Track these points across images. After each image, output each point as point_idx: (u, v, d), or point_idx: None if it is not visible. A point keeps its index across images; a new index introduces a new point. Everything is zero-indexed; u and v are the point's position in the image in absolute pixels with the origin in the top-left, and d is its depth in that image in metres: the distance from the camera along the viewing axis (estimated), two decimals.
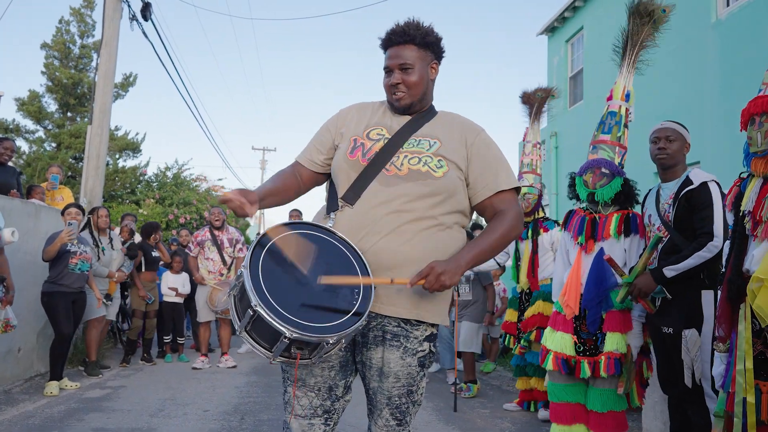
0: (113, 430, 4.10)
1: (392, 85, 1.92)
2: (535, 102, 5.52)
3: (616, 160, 3.64)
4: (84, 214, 6.05)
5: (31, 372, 5.76)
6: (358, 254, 1.77)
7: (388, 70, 1.93)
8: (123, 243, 6.90)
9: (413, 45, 1.90)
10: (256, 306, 1.59)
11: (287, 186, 2.01)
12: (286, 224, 1.79)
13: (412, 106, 1.94)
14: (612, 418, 3.39)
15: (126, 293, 7.45)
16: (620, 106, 3.81)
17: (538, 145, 5.44)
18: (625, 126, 3.81)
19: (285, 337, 1.58)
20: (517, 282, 5.21)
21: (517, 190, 1.96)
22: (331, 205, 1.93)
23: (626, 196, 3.56)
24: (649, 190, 3.41)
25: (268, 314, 1.58)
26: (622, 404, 3.42)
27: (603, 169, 3.56)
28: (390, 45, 1.93)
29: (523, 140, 5.67)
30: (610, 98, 3.87)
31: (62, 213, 5.79)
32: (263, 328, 1.64)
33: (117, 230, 7.28)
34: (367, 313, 1.70)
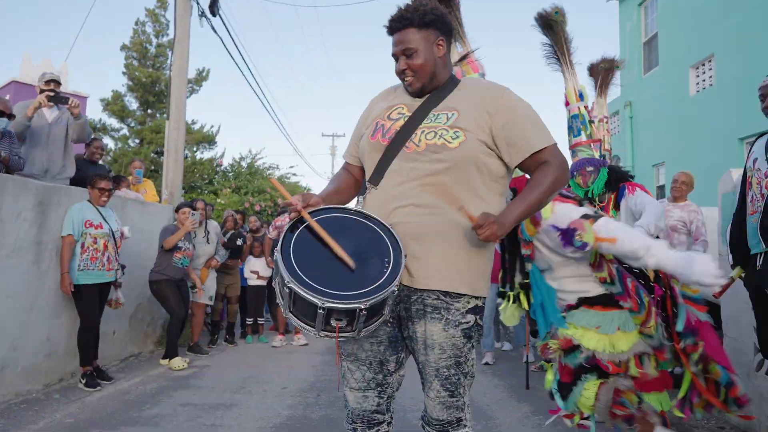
0: (199, 405, 4.38)
1: (400, 71, 1.94)
2: (599, 74, 5.31)
3: (596, 154, 4.00)
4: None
5: (125, 353, 6.21)
6: (388, 229, 1.83)
7: (396, 57, 1.94)
8: (224, 234, 7.30)
9: (413, 28, 1.89)
10: (289, 283, 1.67)
11: (345, 184, 2.14)
12: (315, 210, 1.86)
13: (424, 88, 1.95)
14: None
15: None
16: (579, 107, 4.10)
17: (606, 120, 5.26)
18: (591, 121, 4.09)
19: (320, 308, 1.65)
20: None
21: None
22: (362, 189, 2.03)
23: (615, 179, 3.92)
24: (762, 134, 3.16)
25: (300, 288, 1.66)
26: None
27: (588, 168, 3.91)
28: (392, 32, 1.94)
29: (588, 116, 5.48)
30: (567, 104, 4.16)
31: (176, 210, 6.33)
32: (302, 305, 1.72)
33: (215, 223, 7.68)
34: (397, 280, 1.73)
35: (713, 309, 4.68)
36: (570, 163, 4.03)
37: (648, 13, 12.22)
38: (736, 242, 3.16)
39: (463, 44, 3.51)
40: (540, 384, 5.17)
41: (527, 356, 5.26)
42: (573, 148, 4.10)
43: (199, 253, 6.63)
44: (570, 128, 4.15)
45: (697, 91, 10.55)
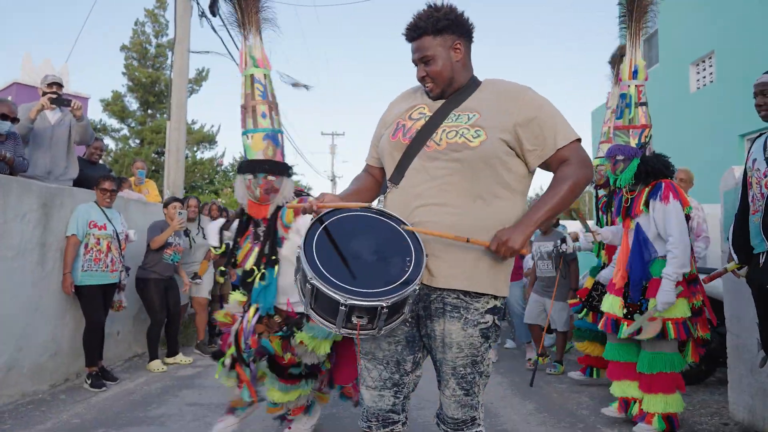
0: (205, 405, 4.40)
1: (420, 78, 1.98)
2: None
3: (632, 142, 3.80)
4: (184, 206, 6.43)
5: (129, 353, 6.23)
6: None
7: (416, 64, 1.98)
8: (212, 220, 7.22)
9: (428, 36, 1.92)
10: (311, 279, 1.69)
11: (365, 185, 2.15)
12: (336, 209, 1.88)
13: (444, 92, 1.97)
14: (661, 378, 3.57)
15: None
16: (629, 86, 3.92)
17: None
18: (638, 105, 3.87)
19: (341, 305, 1.67)
20: (597, 255, 5.09)
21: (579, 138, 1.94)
22: (383, 188, 2.04)
23: (647, 172, 3.68)
24: (760, 134, 3.16)
25: (323, 285, 1.68)
26: (673, 366, 3.58)
27: (618, 157, 3.77)
28: (410, 40, 1.97)
29: (606, 105, 5.44)
30: (620, 80, 4.02)
31: (164, 206, 6.15)
32: (324, 302, 1.73)
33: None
34: (418, 279, 1.74)
35: (715, 306, 4.70)
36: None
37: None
38: (738, 242, 3.17)
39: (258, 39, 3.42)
40: (543, 381, 5.19)
41: (537, 354, 5.28)
42: (614, 131, 3.97)
43: (199, 244, 6.60)
44: (618, 108, 4.00)
45: (698, 88, 10.56)
